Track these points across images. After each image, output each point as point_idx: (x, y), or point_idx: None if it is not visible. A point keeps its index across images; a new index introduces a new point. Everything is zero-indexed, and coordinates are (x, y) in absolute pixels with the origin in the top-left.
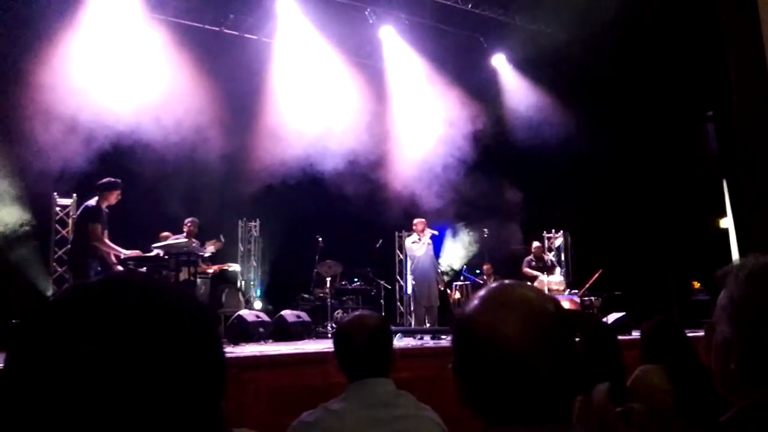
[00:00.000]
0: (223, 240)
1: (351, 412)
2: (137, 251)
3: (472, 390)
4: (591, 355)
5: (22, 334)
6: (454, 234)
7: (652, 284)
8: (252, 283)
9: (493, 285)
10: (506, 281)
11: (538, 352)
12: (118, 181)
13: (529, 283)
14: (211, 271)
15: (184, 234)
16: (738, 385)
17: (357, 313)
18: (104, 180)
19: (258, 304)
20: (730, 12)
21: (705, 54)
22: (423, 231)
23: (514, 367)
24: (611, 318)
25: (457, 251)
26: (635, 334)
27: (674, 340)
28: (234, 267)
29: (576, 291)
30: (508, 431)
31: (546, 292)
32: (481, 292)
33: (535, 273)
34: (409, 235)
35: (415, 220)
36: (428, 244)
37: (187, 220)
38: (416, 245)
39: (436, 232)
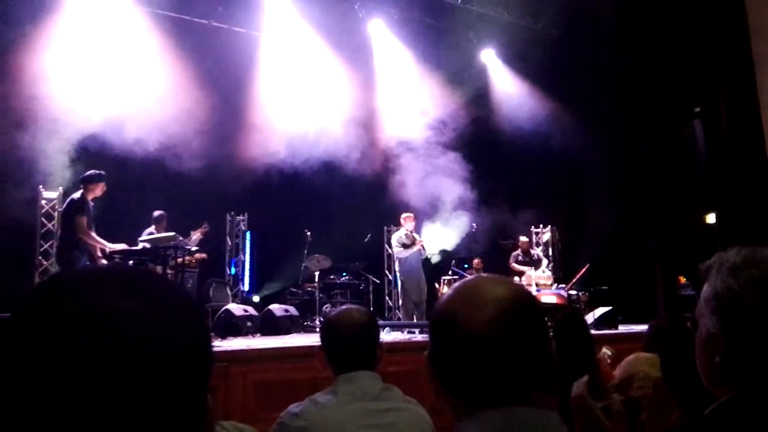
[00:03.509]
0: (207, 227)
1: (339, 405)
2: (123, 245)
3: (444, 374)
4: (563, 346)
5: (7, 326)
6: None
7: (639, 279)
8: (240, 277)
9: (468, 278)
10: (482, 275)
11: (502, 339)
12: (102, 173)
13: (504, 278)
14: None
15: (153, 228)
16: (723, 378)
17: (344, 307)
18: (88, 173)
19: (256, 299)
20: (716, 8)
21: (692, 50)
22: (412, 229)
23: (479, 351)
24: (598, 312)
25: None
26: (622, 328)
27: (677, 335)
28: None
29: (563, 286)
30: (476, 417)
31: (533, 286)
32: (457, 285)
33: (523, 268)
34: (397, 230)
35: (404, 215)
36: (420, 248)
37: (155, 214)
38: (403, 249)
39: (422, 242)
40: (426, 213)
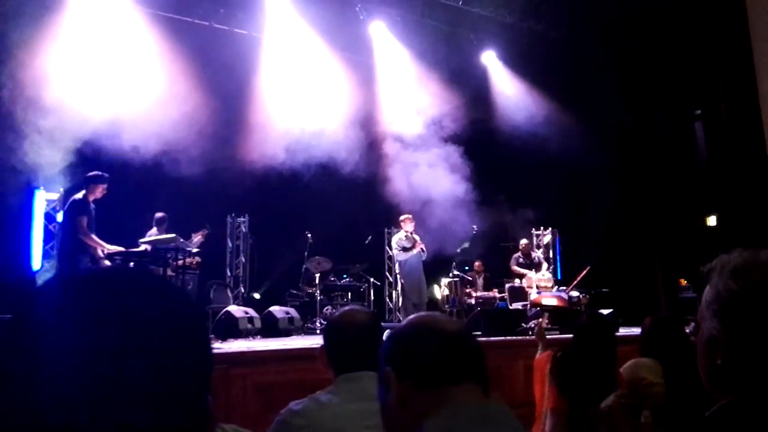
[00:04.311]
0: (208, 228)
1: (339, 404)
2: (120, 247)
3: (401, 365)
4: (585, 351)
5: (8, 327)
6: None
7: (640, 281)
8: (241, 279)
9: (418, 315)
10: (427, 314)
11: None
12: (105, 175)
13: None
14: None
15: (155, 230)
16: (724, 381)
17: (348, 307)
18: (91, 173)
19: (257, 296)
20: (719, 11)
21: (694, 53)
22: (412, 230)
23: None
24: None
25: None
26: (622, 330)
27: (673, 337)
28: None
29: (564, 288)
30: (442, 413)
31: (534, 288)
32: (410, 319)
33: (523, 270)
34: (397, 231)
35: (403, 217)
36: (420, 250)
37: (157, 215)
38: (403, 251)
39: (422, 244)
40: (425, 214)
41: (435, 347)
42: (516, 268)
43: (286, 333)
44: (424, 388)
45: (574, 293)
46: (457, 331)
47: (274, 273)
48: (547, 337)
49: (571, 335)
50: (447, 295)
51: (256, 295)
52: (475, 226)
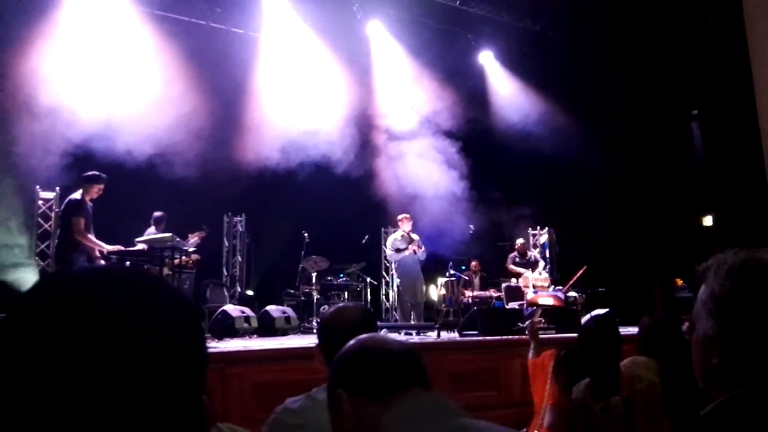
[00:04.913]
0: (206, 229)
1: None
2: (119, 246)
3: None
4: (590, 351)
5: (2, 326)
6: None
7: (636, 281)
8: (237, 278)
9: (362, 337)
10: (369, 336)
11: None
12: (102, 175)
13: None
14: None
15: (154, 229)
16: (720, 380)
17: (340, 305)
18: (88, 173)
19: (250, 292)
20: (715, 9)
21: (690, 52)
22: (409, 230)
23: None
24: (595, 314)
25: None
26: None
27: (671, 337)
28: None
29: (560, 287)
30: (398, 405)
31: (530, 288)
32: (353, 341)
33: (520, 270)
34: (394, 231)
35: (400, 216)
36: (413, 251)
37: (155, 214)
38: (395, 252)
39: (421, 249)
40: (421, 212)
41: (382, 362)
42: (512, 267)
43: (283, 332)
44: (375, 400)
45: (571, 293)
46: (399, 346)
47: (271, 272)
48: (544, 336)
49: (567, 334)
50: (443, 295)
51: (249, 292)
52: (471, 225)
